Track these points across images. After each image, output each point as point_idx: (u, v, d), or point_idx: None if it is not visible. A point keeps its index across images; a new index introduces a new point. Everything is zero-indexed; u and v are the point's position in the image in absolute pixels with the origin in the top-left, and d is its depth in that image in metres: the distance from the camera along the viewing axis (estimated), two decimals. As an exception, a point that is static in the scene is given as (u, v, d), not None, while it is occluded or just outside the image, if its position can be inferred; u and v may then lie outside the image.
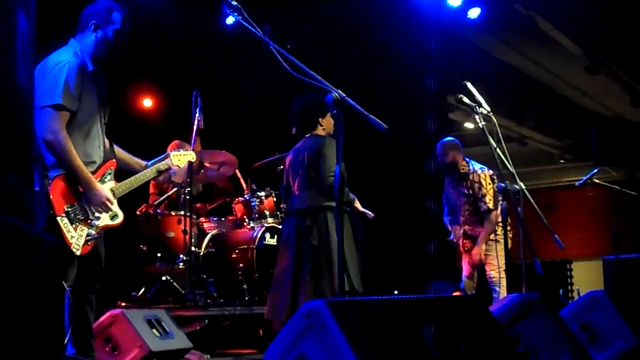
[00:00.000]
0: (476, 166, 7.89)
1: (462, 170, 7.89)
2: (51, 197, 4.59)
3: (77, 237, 4.67)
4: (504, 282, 7.63)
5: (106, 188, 4.92)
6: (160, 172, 5.40)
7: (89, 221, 4.77)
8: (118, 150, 5.24)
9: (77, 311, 4.79)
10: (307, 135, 6.64)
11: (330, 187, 6.23)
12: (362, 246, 6.81)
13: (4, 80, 2.30)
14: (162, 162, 5.42)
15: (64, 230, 4.61)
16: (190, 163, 7.43)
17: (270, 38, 4.34)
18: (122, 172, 5.20)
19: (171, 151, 5.63)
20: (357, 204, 6.96)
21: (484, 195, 7.76)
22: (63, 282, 4.59)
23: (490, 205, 7.70)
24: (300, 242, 6.33)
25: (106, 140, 5.12)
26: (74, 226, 4.67)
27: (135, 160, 5.35)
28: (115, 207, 4.97)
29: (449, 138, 8.09)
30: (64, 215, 4.63)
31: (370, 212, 7.03)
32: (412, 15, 10.51)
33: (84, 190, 4.75)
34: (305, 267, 6.24)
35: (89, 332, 4.91)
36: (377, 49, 10.99)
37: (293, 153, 6.66)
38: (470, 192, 7.82)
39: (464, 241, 7.93)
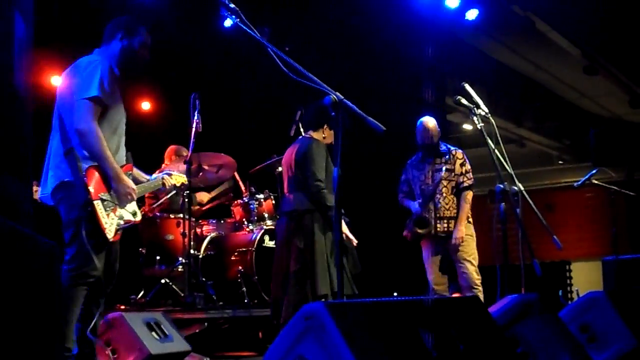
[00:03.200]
0: (449, 145, 7.82)
1: (440, 148, 7.76)
2: (88, 184, 4.77)
3: (109, 223, 4.88)
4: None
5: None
6: (163, 185, 5.77)
7: (117, 211, 5.00)
8: None
9: (85, 312, 4.91)
10: (300, 137, 6.70)
11: (316, 194, 6.28)
12: (361, 248, 6.80)
13: (2, 85, 2.31)
14: (166, 178, 5.80)
15: (100, 215, 4.82)
16: (188, 165, 7.48)
17: (269, 40, 4.34)
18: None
19: (172, 170, 6.02)
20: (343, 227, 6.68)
21: (467, 171, 7.64)
22: (90, 273, 4.79)
23: (472, 182, 7.61)
24: (288, 244, 6.40)
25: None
26: (107, 213, 4.88)
27: (139, 173, 5.53)
28: (134, 204, 5.22)
29: (430, 117, 7.90)
30: (99, 200, 4.83)
31: (354, 240, 6.80)
32: (410, 17, 10.51)
33: (112, 181, 4.93)
34: (291, 269, 6.31)
35: (93, 333, 4.97)
36: (375, 50, 10.99)
37: (286, 154, 6.74)
38: (452, 167, 7.65)
39: (438, 223, 7.61)
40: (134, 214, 5.20)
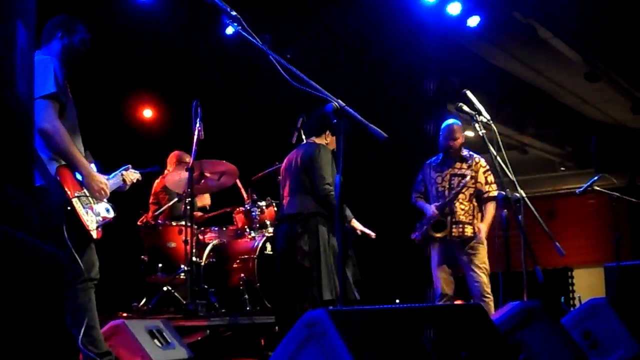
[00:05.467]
0: (471, 152, 7.78)
1: (462, 153, 7.73)
2: (62, 183, 4.64)
3: (90, 221, 4.78)
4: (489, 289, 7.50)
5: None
6: (124, 181, 5.46)
7: (94, 208, 4.88)
8: None
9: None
10: (303, 142, 6.71)
11: (326, 197, 6.29)
12: (363, 255, 6.80)
13: (3, 93, 2.31)
14: (125, 174, 5.50)
15: (80, 213, 4.70)
16: (190, 172, 7.50)
17: (270, 48, 4.34)
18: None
19: (127, 168, 5.62)
20: (355, 223, 6.75)
21: (492, 182, 7.54)
22: (88, 274, 4.69)
23: (497, 193, 7.51)
24: (290, 248, 6.40)
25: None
26: (85, 211, 4.76)
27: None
28: (106, 201, 5.06)
29: (454, 120, 7.90)
30: (77, 198, 4.70)
31: (371, 232, 6.83)
32: (411, 24, 10.53)
33: (84, 177, 4.83)
34: (296, 273, 6.32)
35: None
36: (376, 57, 11.00)
37: (287, 159, 6.74)
38: (475, 174, 7.60)
39: (454, 227, 7.53)
40: (108, 210, 5.04)
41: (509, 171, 6.34)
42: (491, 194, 7.57)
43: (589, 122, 15.75)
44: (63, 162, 4.73)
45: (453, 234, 7.54)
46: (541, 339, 4.77)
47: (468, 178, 7.50)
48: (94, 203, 4.90)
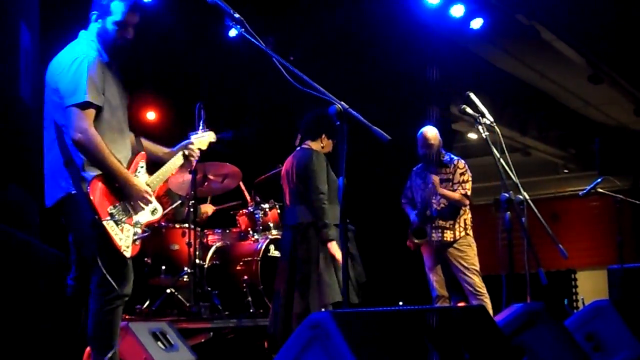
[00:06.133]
0: (453, 155, 7.86)
1: (442, 158, 7.80)
2: (93, 200, 4.39)
3: (124, 238, 4.51)
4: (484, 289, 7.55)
5: (142, 181, 4.74)
6: (186, 158, 5.14)
7: (132, 219, 4.62)
8: (143, 140, 5.07)
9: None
10: (298, 147, 6.70)
11: (319, 208, 6.28)
12: (366, 258, 6.79)
13: (8, 96, 2.32)
14: (188, 147, 5.20)
15: (112, 233, 4.43)
16: (194, 175, 7.50)
17: (273, 50, 4.33)
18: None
19: (192, 133, 5.41)
20: (332, 246, 6.31)
21: (465, 181, 7.65)
22: (119, 292, 4.47)
23: (469, 192, 7.64)
24: (292, 256, 6.41)
25: (131, 133, 4.95)
26: (120, 227, 4.50)
27: (160, 149, 5.15)
28: (154, 201, 4.79)
29: (431, 127, 7.95)
30: (109, 217, 4.44)
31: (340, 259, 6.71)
32: (414, 26, 10.52)
33: (123, 187, 4.55)
34: (295, 281, 6.32)
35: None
36: (379, 60, 10.99)
37: (285, 166, 6.75)
38: (451, 177, 7.69)
39: (434, 232, 7.69)
40: (154, 211, 4.78)
41: (512, 173, 6.34)
42: (460, 191, 7.64)
43: (592, 125, 15.73)
44: (99, 172, 4.49)
45: (433, 238, 7.71)
46: (544, 341, 4.77)
47: (433, 180, 7.57)
48: (135, 211, 4.65)
